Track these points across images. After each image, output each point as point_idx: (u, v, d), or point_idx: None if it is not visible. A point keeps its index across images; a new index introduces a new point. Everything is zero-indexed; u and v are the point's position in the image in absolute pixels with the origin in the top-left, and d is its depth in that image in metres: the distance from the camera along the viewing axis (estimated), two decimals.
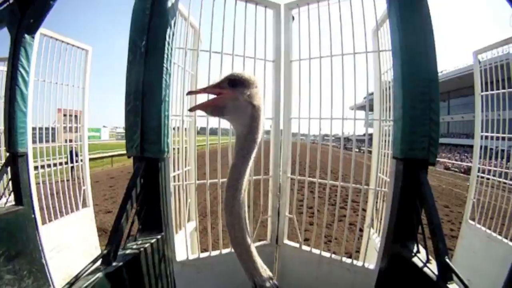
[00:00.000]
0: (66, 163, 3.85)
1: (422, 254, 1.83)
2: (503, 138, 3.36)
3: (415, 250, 1.89)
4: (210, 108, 1.07)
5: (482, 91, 3.46)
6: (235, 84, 1.02)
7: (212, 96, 1.05)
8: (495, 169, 3.43)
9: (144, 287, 1.95)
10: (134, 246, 1.96)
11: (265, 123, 1.10)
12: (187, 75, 2.71)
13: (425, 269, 1.68)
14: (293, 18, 2.67)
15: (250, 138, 1.03)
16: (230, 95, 1.01)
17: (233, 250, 1.03)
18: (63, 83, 3.55)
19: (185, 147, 2.76)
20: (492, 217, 3.27)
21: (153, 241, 2.08)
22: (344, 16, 2.39)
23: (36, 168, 3.28)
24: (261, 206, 2.72)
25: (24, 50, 2.72)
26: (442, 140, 33.13)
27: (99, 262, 1.65)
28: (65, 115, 3.88)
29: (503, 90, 3.28)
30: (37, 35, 2.85)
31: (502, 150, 3.50)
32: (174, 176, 2.49)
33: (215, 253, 2.57)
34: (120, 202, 1.92)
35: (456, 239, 3.85)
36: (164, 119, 2.13)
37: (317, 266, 2.59)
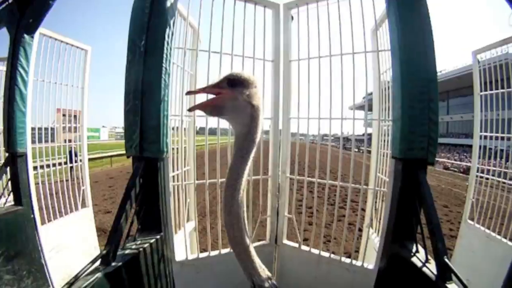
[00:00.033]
0: (65, 163, 3.84)
1: (421, 254, 1.84)
2: (502, 138, 3.36)
3: (414, 250, 1.90)
4: (209, 108, 1.07)
5: (481, 91, 3.47)
6: (234, 84, 1.02)
7: (211, 96, 1.05)
8: (494, 169, 3.43)
9: (143, 287, 1.95)
10: (133, 246, 1.96)
11: (264, 123, 1.11)
12: (186, 75, 2.70)
13: (424, 269, 1.68)
14: (292, 18, 2.67)
15: (249, 138, 1.03)
16: (229, 95, 1.01)
17: (232, 250, 1.03)
18: (62, 83, 3.54)
19: (184, 147, 2.76)
20: (491, 217, 3.28)
21: (152, 241, 2.08)
22: (343, 15, 2.40)
23: (35, 168, 3.27)
24: (260, 206, 2.72)
25: (23, 50, 2.72)
26: (441, 140, 33.22)
27: (98, 262, 1.65)
28: (64, 115, 3.87)
29: (502, 90, 3.28)
30: (36, 35, 2.85)
31: (501, 150, 3.50)
32: (173, 176, 2.49)
33: (214, 253, 2.57)
34: (119, 202, 1.92)
35: (455, 239, 3.85)
36: (163, 119, 2.12)
37: (316, 266, 2.59)
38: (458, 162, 25.65)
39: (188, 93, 2.43)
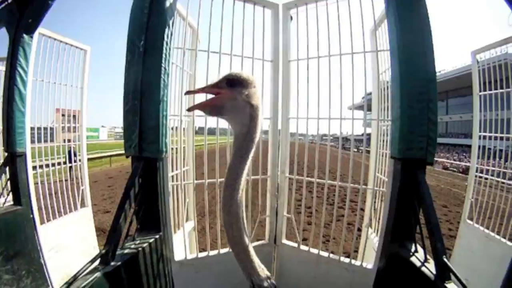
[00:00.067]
0: (65, 163, 3.84)
1: (420, 253, 1.84)
2: (501, 138, 3.37)
3: (413, 249, 1.90)
4: (209, 108, 1.07)
5: (480, 91, 3.48)
6: (233, 84, 1.02)
7: (210, 96, 1.05)
8: (493, 168, 3.44)
9: (142, 287, 1.96)
10: (133, 246, 1.96)
11: (263, 123, 1.11)
12: (185, 75, 2.70)
13: (423, 268, 1.69)
14: (291, 18, 2.67)
15: (248, 137, 1.03)
16: (228, 95, 1.01)
17: (231, 250, 1.03)
18: (61, 83, 3.54)
19: (183, 147, 2.76)
20: (490, 216, 3.28)
21: (151, 240, 2.08)
22: (342, 16, 2.40)
23: (34, 168, 3.27)
24: (259, 206, 2.72)
25: (23, 50, 2.71)
26: (440, 140, 33.23)
27: (97, 262, 1.66)
28: (63, 115, 3.86)
29: (501, 90, 3.29)
30: (36, 35, 2.84)
31: (500, 150, 3.51)
32: (172, 176, 2.49)
33: (213, 252, 2.58)
34: (119, 202, 1.92)
35: (454, 238, 3.86)
36: (162, 118, 2.13)
37: (315, 265, 2.60)
38: (457, 162, 25.68)
39: (187, 93, 2.42)
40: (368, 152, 3.07)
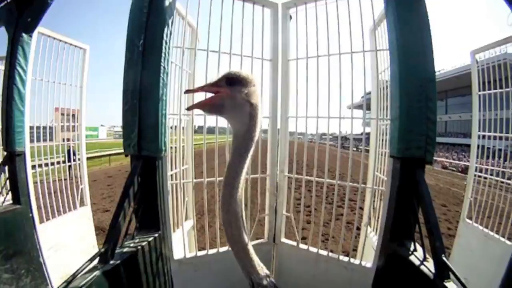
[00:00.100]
0: (64, 162, 3.84)
1: (419, 252, 1.84)
2: (500, 138, 3.37)
3: (412, 248, 1.90)
4: (208, 107, 1.07)
5: (479, 91, 3.48)
6: (233, 83, 1.02)
7: (209, 95, 1.05)
8: (492, 168, 3.45)
9: (141, 286, 1.96)
10: (132, 245, 1.96)
11: (262, 122, 1.11)
12: (185, 74, 2.70)
13: (422, 267, 1.69)
14: (290, 17, 2.67)
15: (247, 136, 1.03)
16: (228, 94, 1.02)
17: (230, 248, 1.03)
18: (60, 82, 3.54)
19: (183, 146, 2.76)
20: (489, 216, 3.29)
21: (150, 239, 2.08)
22: (341, 15, 2.41)
23: (33, 167, 3.27)
24: (258, 204, 2.72)
25: (22, 49, 2.71)
26: (439, 139, 33.30)
27: (96, 261, 1.66)
28: (62, 114, 3.86)
29: (500, 90, 3.29)
30: (35, 34, 2.84)
31: (499, 149, 3.52)
32: (171, 175, 2.49)
33: (212, 251, 2.58)
34: (118, 200, 1.92)
35: (454, 237, 3.87)
36: (161, 117, 2.12)
37: (314, 264, 2.60)
38: (457, 161, 25.68)
39: (187, 91, 2.40)
40: (367, 151, 3.08)
